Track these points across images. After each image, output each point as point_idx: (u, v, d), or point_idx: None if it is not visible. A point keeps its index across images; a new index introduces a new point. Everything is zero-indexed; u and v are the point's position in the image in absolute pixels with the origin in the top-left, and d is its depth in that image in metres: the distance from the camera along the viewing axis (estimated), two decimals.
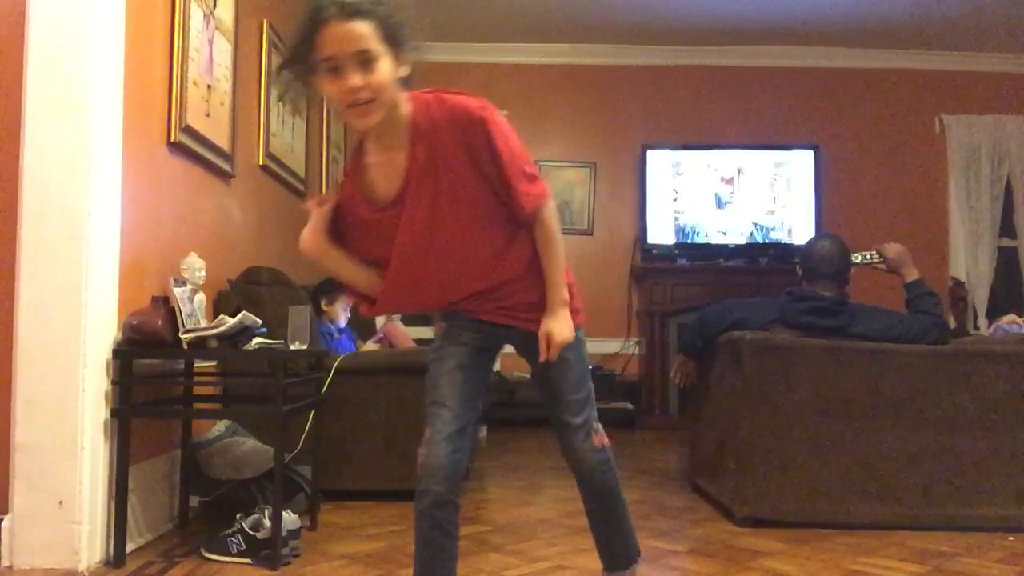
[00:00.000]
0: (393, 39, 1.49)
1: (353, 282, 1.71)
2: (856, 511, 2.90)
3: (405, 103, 1.56)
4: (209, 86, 3.22)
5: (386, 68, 1.48)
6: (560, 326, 1.66)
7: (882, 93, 6.30)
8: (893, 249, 3.25)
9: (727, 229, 5.95)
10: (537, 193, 1.62)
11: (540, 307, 1.69)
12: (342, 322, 3.81)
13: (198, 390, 2.97)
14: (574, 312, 1.73)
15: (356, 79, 1.45)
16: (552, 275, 1.67)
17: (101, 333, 2.44)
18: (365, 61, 1.45)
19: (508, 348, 1.79)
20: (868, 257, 3.26)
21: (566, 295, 1.71)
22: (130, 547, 2.48)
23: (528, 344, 1.72)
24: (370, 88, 1.46)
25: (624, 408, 5.71)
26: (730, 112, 6.26)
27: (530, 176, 1.61)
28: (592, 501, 1.89)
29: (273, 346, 2.68)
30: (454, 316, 1.74)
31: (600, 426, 1.81)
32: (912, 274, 3.20)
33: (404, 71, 1.52)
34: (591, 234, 6.24)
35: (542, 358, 1.67)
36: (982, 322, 5.89)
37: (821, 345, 2.97)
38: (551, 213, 1.66)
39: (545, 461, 4.42)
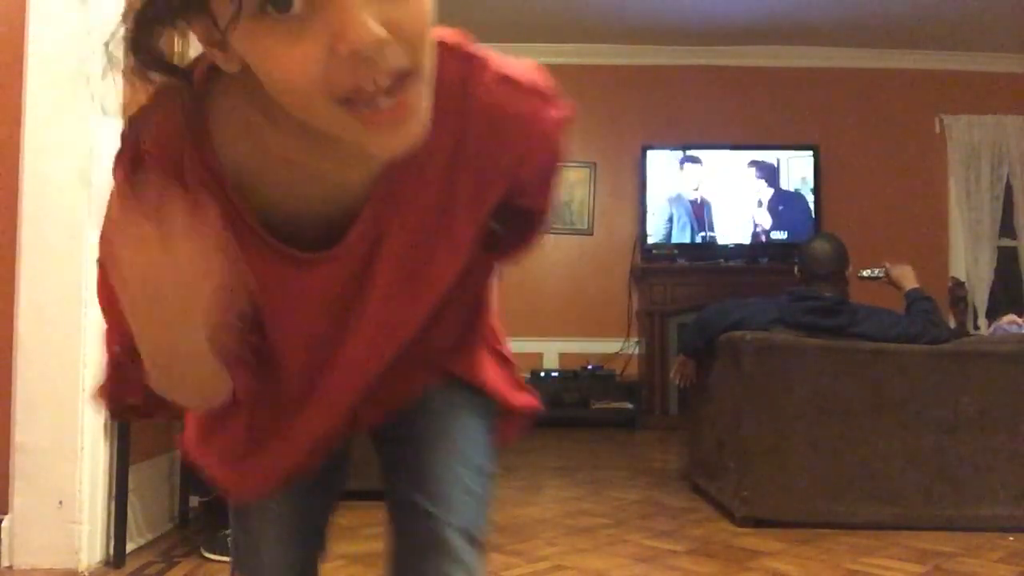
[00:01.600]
0: None
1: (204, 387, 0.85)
2: (856, 511, 2.90)
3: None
4: None
5: None
6: None
7: (882, 93, 6.29)
8: (900, 268, 3.31)
9: (727, 229, 5.95)
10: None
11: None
12: None
13: None
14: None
15: (369, 19, 0.60)
16: None
17: (101, 333, 2.43)
18: None
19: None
20: (876, 272, 3.37)
21: None
22: (130, 547, 2.48)
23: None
24: (404, 38, 0.62)
25: (624, 408, 5.71)
26: (730, 112, 6.25)
27: None
28: None
29: None
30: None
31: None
32: (912, 285, 3.23)
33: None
34: (591, 234, 6.23)
35: None
36: (982, 322, 5.89)
37: (821, 345, 2.97)
38: None
39: (545, 461, 4.42)
